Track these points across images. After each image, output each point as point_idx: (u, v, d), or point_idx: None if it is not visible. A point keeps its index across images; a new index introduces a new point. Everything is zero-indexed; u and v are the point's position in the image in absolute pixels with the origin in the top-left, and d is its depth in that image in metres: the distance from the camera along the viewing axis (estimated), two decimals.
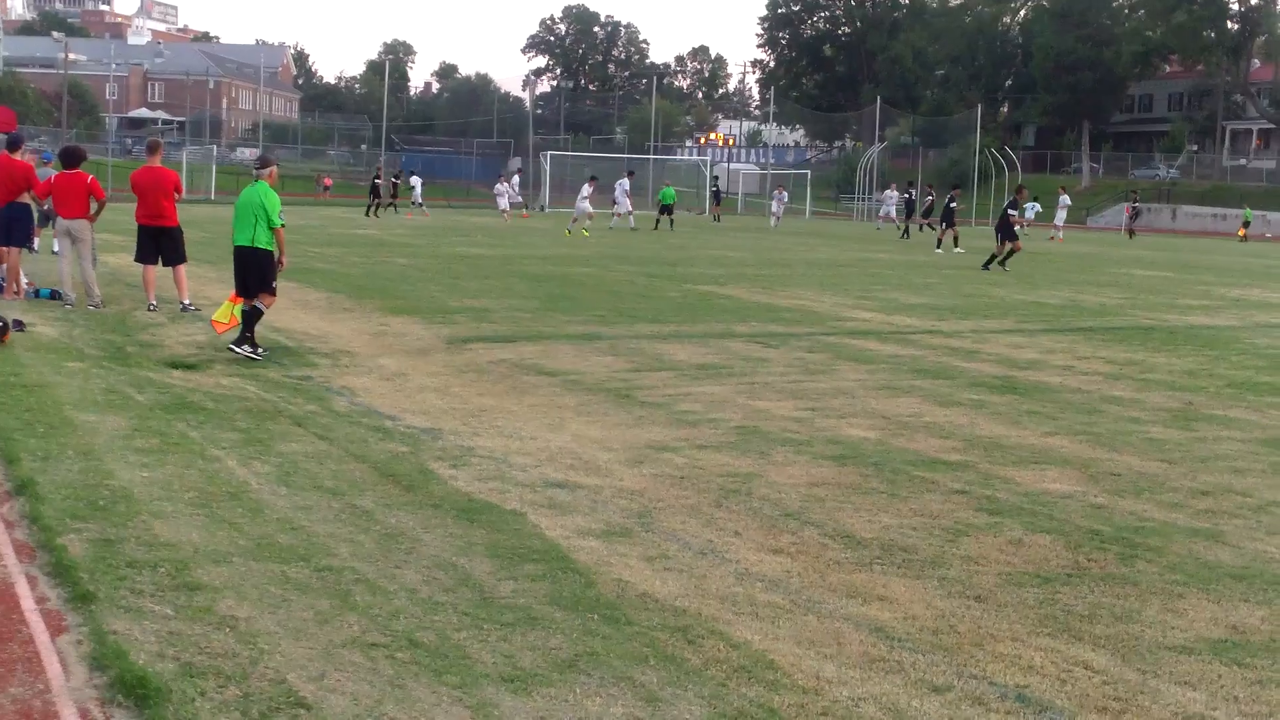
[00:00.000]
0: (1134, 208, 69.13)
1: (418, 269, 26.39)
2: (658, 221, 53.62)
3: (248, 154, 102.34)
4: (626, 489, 8.53)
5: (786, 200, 67.92)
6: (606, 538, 7.34)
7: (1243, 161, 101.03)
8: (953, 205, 43.44)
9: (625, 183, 52.50)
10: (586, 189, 47.52)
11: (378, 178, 57.95)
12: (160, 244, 17.49)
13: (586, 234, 44.60)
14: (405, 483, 8.46)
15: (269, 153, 18.30)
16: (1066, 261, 38.72)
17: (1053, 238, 57.10)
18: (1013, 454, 10.07)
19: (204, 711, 4.80)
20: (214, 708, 4.83)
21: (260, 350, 13.58)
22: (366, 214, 54.45)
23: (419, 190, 61.68)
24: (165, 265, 17.54)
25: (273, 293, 13.92)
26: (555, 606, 6.14)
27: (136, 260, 17.85)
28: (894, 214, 60.02)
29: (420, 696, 5.05)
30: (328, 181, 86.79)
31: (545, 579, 6.55)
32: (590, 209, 46.77)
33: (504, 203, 57.02)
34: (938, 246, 42.91)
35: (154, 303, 17.22)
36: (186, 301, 17.36)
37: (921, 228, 55.85)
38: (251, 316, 13.60)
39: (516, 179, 66.29)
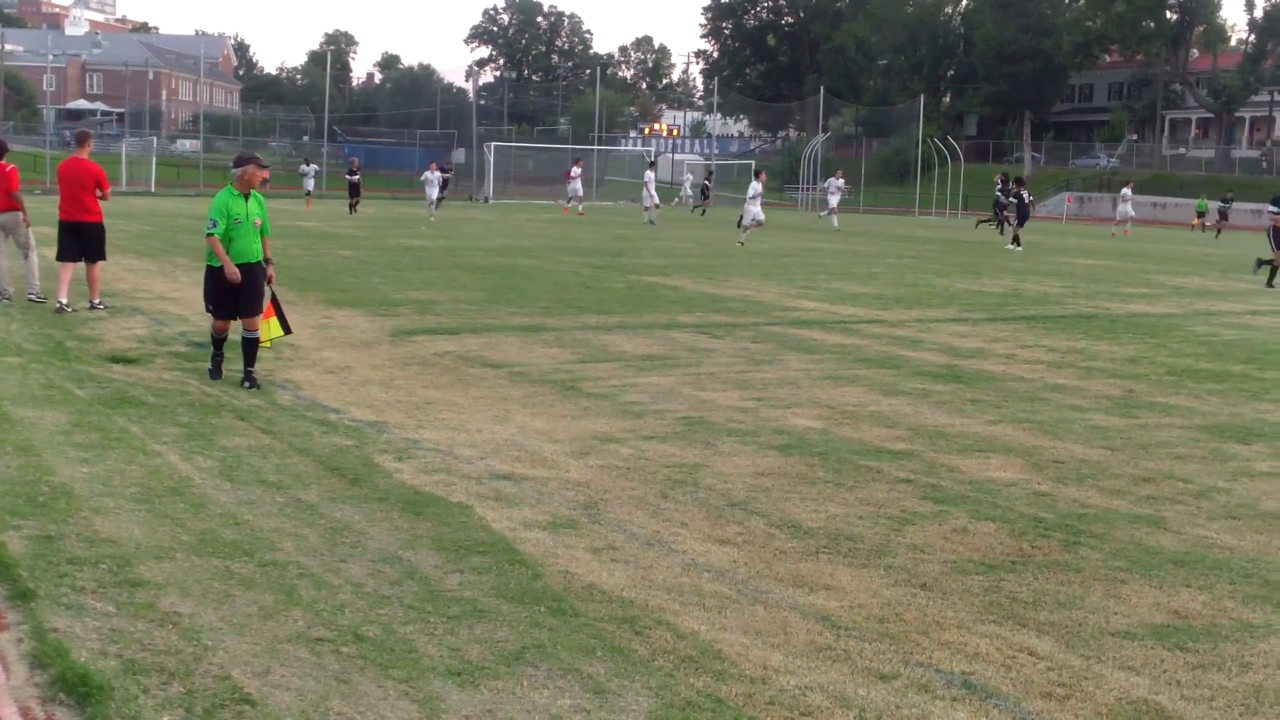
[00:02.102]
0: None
1: (360, 261, 26.23)
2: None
3: (188, 145, 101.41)
4: (573, 480, 8.52)
5: (846, 188, 57.50)
6: (553, 529, 7.33)
7: (1182, 150, 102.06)
8: (1026, 199, 41.19)
9: (651, 175, 51.62)
10: (755, 186, 39.78)
11: (353, 172, 52.82)
12: (81, 239, 16.64)
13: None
14: (350, 476, 8.42)
15: (250, 150, 15.72)
16: (1008, 250, 38.94)
17: (1114, 233, 56.40)
18: (957, 442, 10.13)
19: (147, 709, 4.75)
20: (157, 705, 4.79)
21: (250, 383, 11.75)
22: (351, 210, 49.86)
23: (310, 180, 57.47)
24: (86, 262, 16.70)
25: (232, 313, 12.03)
26: (502, 599, 6.13)
27: (57, 259, 16.87)
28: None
29: (366, 691, 5.02)
30: (265, 174, 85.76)
31: (492, 571, 6.53)
32: (760, 215, 39.70)
33: (434, 192, 51.00)
34: (1015, 244, 40.37)
35: (63, 301, 16.32)
36: (96, 300, 16.64)
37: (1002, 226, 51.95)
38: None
39: (577, 169, 60.30)
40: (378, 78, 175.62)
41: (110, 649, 5.27)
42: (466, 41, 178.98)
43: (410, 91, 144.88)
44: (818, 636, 5.81)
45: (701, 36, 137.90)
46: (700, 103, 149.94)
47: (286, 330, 12.49)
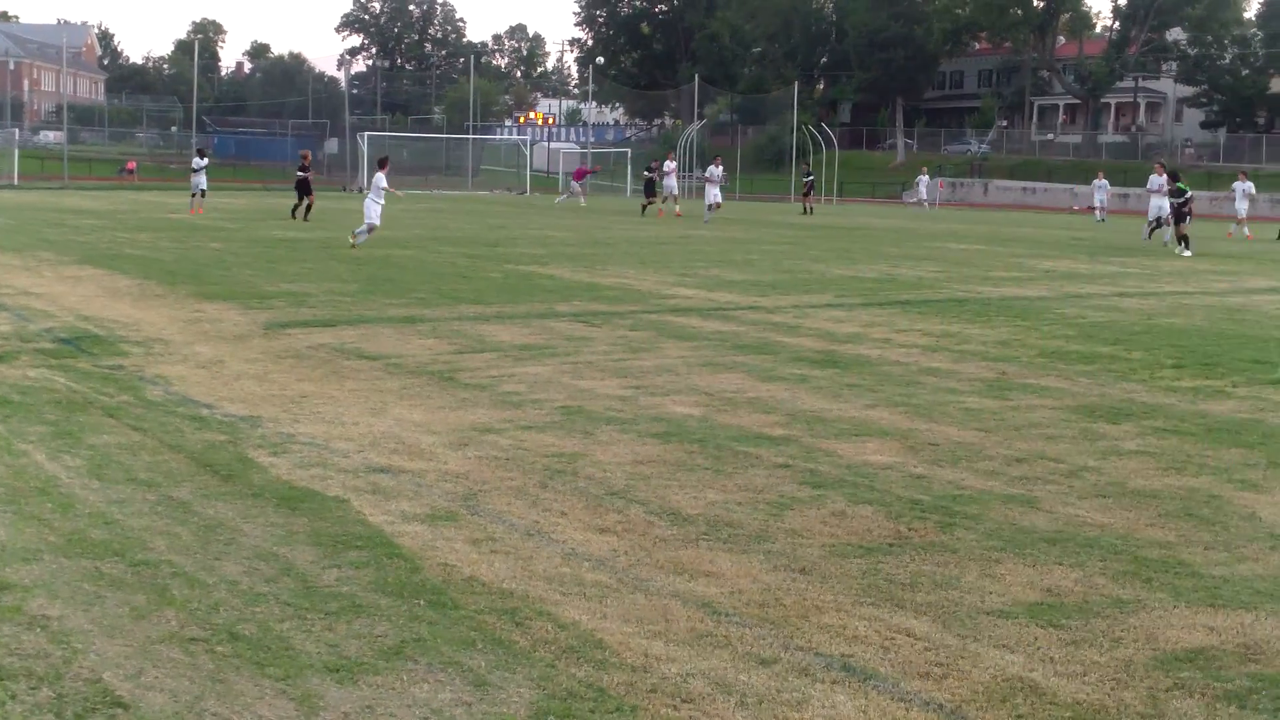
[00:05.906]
0: None
1: (232, 253, 25.84)
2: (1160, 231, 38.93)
3: (52, 137, 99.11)
4: (451, 472, 8.46)
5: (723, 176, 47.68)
6: (431, 522, 7.27)
7: (1050, 136, 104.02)
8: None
9: (717, 170, 49.84)
10: (1156, 177, 35.67)
11: (304, 169, 41.21)
12: None
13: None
14: (224, 472, 8.28)
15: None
16: (883, 236, 39.39)
17: (1230, 233, 45.54)
18: (834, 427, 10.21)
19: (15, 715, 4.63)
20: (26, 710, 4.67)
21: None
22: (293, 215, 39.92)
23: (204, 177, 43.20)
24: None
25: None
26: (380, 593, 6.06)
27: None
28: (1100, 203, 51.15)
29: (242, 690, 4.94)
30: (131, 165, 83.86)
31: (370, 566, 6.46)
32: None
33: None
34: (1178, 244, 35.01)
35: None
36: None
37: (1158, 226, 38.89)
38: None
39: (670, 163, 53.16)
40: (247, 67, 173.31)
41: None
42: (338, 30, 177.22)
43: (281, 81, 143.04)
44: (698, 623, 5.82)
45: (576, 24, 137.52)
46: (575, 91, 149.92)
47: None
